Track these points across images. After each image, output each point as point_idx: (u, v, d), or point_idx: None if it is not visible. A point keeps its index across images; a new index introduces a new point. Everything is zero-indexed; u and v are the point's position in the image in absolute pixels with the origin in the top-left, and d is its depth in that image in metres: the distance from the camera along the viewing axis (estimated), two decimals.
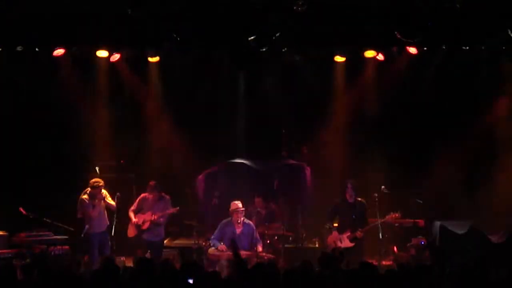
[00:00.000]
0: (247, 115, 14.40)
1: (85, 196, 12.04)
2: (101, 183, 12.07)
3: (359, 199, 12.27)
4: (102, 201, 12.07)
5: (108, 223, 12.15)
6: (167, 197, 12.57)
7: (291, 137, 14.40)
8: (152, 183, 12.55)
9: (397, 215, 12.16)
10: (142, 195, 12.63)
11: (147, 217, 12.38)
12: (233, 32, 12.92)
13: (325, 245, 12.31)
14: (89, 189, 12.06)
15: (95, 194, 12.00)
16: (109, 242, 12.03)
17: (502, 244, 11.45)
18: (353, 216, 12.13)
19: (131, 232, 12.46)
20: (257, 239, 12.05)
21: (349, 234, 12.03)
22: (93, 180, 12.10)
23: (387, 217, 12.12)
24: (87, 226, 12.06)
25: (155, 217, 12.33)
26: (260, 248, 11.88)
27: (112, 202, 12.15)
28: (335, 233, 12.19)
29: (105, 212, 12.20)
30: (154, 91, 14.42)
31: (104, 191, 12.17)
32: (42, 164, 13.65)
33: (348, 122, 14.42)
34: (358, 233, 11.96)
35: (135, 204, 12.60)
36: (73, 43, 13.05)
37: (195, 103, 14.26)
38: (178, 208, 12.44)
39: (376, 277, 7.95)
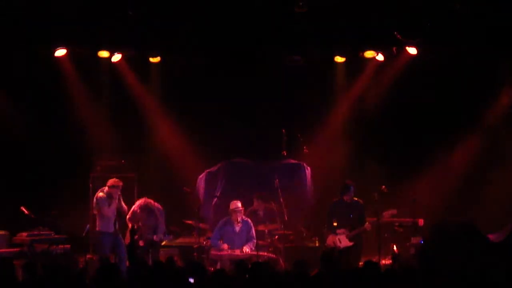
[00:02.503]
0: (248, 115, 14.42)
1: (102, 194, 11.99)
2: (121, 183, 12.01)
3: (356, 198, 12.30)
4: (117, 202, 11.97)
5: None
6: (160, 208, 12.47)
7: (291, 137, 14.43)
8: (143, 201, 12.42)
9: (394, 211, 12.21)
10: (133, 209, 12.44)
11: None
12: (233, 32, 12.99)
13: (325, 246, 12.32)
14: (106, 188, 11.99)
15: (113, 193, 11.91)
16: (122, 243, 11.97)
17: (500, 243, 11.45)
18: (351, 216, 12.15)
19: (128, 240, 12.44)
20: (251, 237, 12.11)
21: (348, 233, 12.03)
22: (113, 179, 12.03)
23: (384, 213, 12.16)
24: (88, 226, 12.11)
25: (153, 237, 12.24)
26: (247, 249, 11.92)
27: (125, 206, 12.15)
28: (334, 235, 12.19)
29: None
30: (155, 91, 14.47)
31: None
32: (43, 163, 13.66)
33: (348, 122, 14.50)
34: (367, 225, 11.95)
35: (130, 213, 12.44)
36: (74, 43, 13.11)
37: (196, 103, 14.29)
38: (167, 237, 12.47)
39: (375, 276, 7.98)
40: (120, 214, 12.09)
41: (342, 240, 12.04)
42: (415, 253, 9.70)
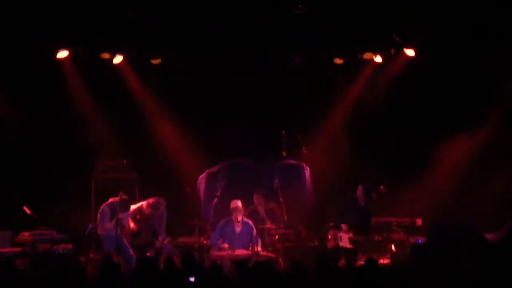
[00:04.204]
0: (248, 115, 14.50)
1: (107, 208, 12.04)
2: (130, 208, 12.08)
3: (367, 204, 12.27)
4: (119, 221, 11.92)
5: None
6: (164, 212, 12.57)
7: (291, 137, 14.50)
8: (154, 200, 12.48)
9: (403, 237, 12.26)
10: (141, 206, 12.46)
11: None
12: (234, 34, 13.08)
13: (326, 241, 12.27)
14: (115, 200, 12.03)
15: (117, 210, 11.93)
16: (127, 244, 12.06)
17: (498, 243, 11.52)
18: (360, 219, 12.13)
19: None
20: (256, 238, 12.17)
21: (351, 235, 12.01)
22: (124, 197, 12.02)
23: (393, 235, 12.20)
24: (90, 225, 12.20)
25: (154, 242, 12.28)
26: (259, 248, 11.96)
27: (131, 224, 12.18)
28: (337, 231, 12.17)
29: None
30: (156, 92, 14.57)
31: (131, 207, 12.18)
32: (45, 163, 13.72)
33: (347, 123, 14.58)
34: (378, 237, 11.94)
35: (135, 209, 12.45)
36: (76, 45, 13.21)
37: (196, 104, 14.38)
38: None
39: (372, 275, 8.06)
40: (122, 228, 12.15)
41: (344, 240, 11.99)
42: (409, 252, 9.73)
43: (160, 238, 12.30)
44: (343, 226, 11.99)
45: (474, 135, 13.95)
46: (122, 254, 11.97)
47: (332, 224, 12.43)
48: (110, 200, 12.18)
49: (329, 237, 12.13)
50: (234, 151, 14.55)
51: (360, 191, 12.13)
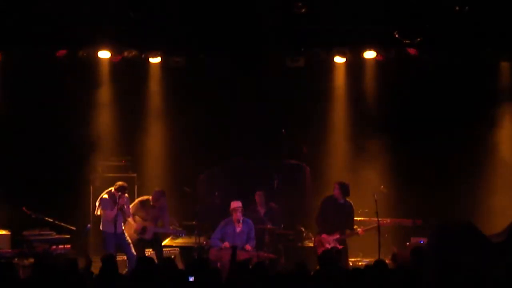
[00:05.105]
0: (247, 115, 14.48)
1: (106, 196, 12.05)
2: (125, 192, 12.07)
3: (348, 199, 12.25)
4: (121, 206, 11.96)
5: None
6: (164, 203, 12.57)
7: (291, 137, 14.49)
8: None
9: (388, 221, 12.20)
10: (134, 203, 12.53)
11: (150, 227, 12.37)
12: (233, 33, 13.06)
13: (316, 248, 12.22)
14: (112, 189, 12.05)
15: (116, 197, 11.94)
16: (129, 243, 12.05)
17: (501, 244, 11.48)
18: (341, 217, 12.07)
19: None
20: (251, 238, 12.16)
21: (337, 236, 11.98)
22: (120, 183, 12.06)
23: (380, 220, 12.17)
24: (89, 226, 12.17)
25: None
26: (249, 247, 11.96)
27: (129, 211, 12.17)
28: (323, 235, 12.12)
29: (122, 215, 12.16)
30: (155, 91, 14.54)
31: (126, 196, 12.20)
32: (44, 163, 13.70)
33: (347, 123, 14.56)
34: (360, 230, 11.91)
35: (132, 206, 12.46)
36: (75, 44, 13.19)
37: (196, 104, 14.35)
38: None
39: (375, 276, 8.03)
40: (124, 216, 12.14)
41: (331, 243, 11.95)
42: (411, 252, 9.69)
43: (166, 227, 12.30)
44: (324, 236, 11.96)
45: (477, 134, 13.92)
46: (123, 252, 11.94)
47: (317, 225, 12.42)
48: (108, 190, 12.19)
49: (315, 244, 12.08)
50: (234, 151, 14.53)
51: (336, 189, 12.12)
